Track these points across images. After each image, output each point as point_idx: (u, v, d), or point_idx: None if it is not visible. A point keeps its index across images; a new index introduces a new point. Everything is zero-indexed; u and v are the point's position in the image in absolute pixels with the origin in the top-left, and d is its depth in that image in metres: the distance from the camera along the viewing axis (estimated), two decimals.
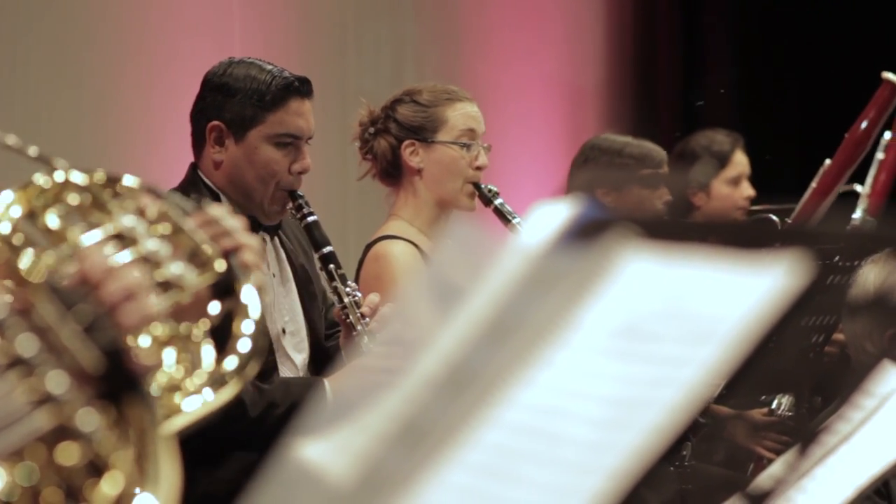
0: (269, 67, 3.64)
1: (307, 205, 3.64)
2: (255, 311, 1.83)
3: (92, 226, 1.77)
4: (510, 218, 4.05)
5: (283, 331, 3.65)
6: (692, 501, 4.05)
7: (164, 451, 1.47)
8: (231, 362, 1.78)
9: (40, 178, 1.78)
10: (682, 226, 1.24)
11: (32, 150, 1.83)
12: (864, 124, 5.18)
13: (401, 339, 1.26)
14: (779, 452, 4.66)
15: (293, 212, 3.66)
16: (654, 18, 7.66)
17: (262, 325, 1.83)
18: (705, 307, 1.17)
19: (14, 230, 1.69)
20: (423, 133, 4.10)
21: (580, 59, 7.33)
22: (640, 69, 7.58)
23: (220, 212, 1.97)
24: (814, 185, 5.22)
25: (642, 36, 7.61)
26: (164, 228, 1.83)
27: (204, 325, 1.80)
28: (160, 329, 1.74)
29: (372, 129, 4.15)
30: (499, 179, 4.34)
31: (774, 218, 5.31)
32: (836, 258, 3.85)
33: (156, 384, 1.71)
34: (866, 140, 5.18)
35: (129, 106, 5.15)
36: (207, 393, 1.75)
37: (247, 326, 1.82)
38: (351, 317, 3.55)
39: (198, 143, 3.67)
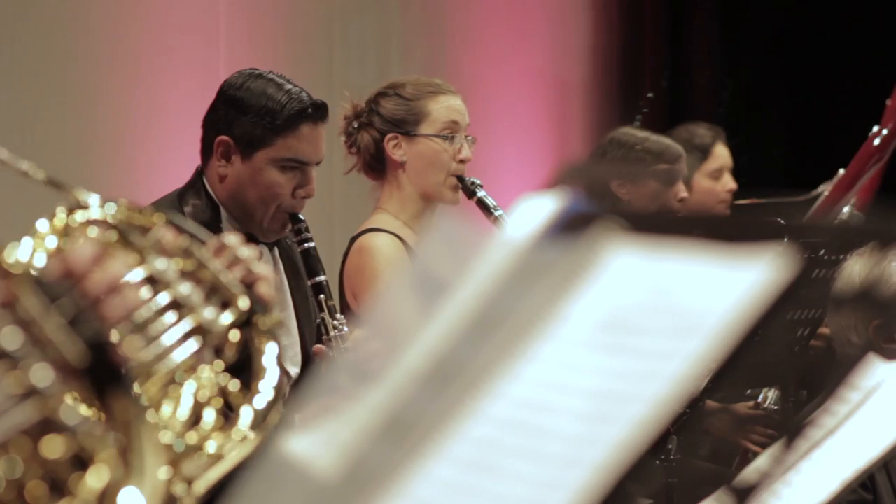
0: (288, 87, 3.60)
1: (307, 230, 3.62)
2: (272, 375, 1.83)
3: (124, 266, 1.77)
4: (493, 210, 4.05)
5: None
6: (678, 495, 4.06)
7: (149, 444, 1.46)
8: (247, 417, 1.78)
9: (63, 213, 1.78)
10: (667, 219, 1.24)
11: (41, 175, 1.83)
12: (880, 137, 5.15)
13: (378, 351, 1.25)
14: (764, 446, 4.67)
15: (291, 234, 3.65)
16: (639, 13, 7.67)
17: (280, 384, 1.83)
18: (691, 301, 1.17)
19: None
20: (406, 126, 4.10)
21: (566, 53, 7.33)
22: (625, 64, 7.59)
23: (234, 240, 1.97)
24: (825, 193, 5.21)
25: (628, 31, 7.61)
26: (188, 265, 1.83)
27: (218, 367, 1.80)
28: (196, 384, 1.75)
29: (356, 123, 4.14)
30: (485, 173, 4.33)
31: (781, 221, 5.31)
32: (822, 252, 3.86)
33: (181, 442, 1.71)
34: (882, 152, 5.16)
35: (114, 101, 5.14)
36: (229, 451, 1.74)
37: (265, 386, 1.82)
38: (334, 350, 3.53)
39: (205, 151, 3.65)
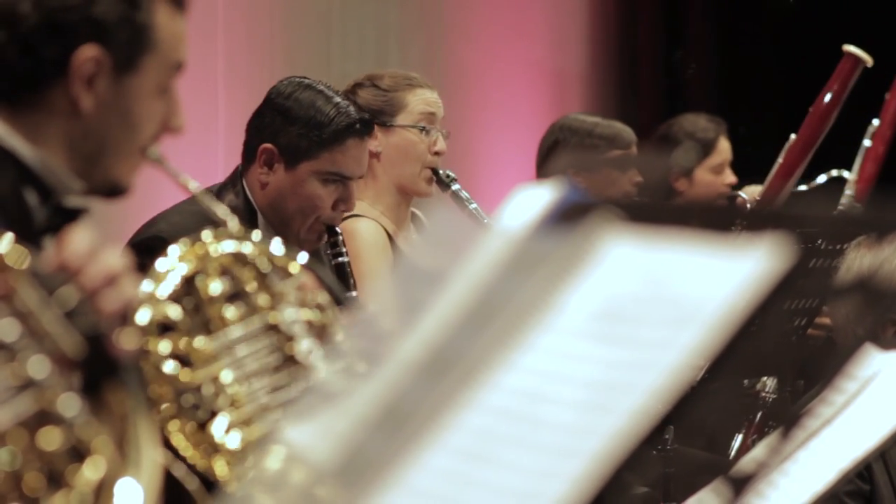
0: (336, 101, 3.60)
1: (343, 244, 3.63)
2: None
3: (253, 308, 1.79)
4: (467, 204, 4.05)
5: None
6: (674, 485, 4.06)
7: (146, 435, 1.46)
8: None
9: (209, 237, 1.80)
10: (663, 210, 1.24)
11: (202, 194, 1.86)
12: (827, 98, 5.16)
13: (371, 330, 1.25)
14: (762, 436, 4.67)
15: (326, 246, 3.66)
16: (636, 4, 7.67)
17: None
18: (687, 290, 1.17)
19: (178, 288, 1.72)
20: (383, 117, 4.10)
21: (563, 44, 7.33)
22: (622, 54, 7.59)
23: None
24: (780, 160, 5.21)
25: (625, 21, 7.61)
26: (317, 316, 1.83)
27: None
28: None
29: None
30: (482, 164, 4.34)
31: (743, 195, 5.31)
32: (819, 241, 3.86)
33: None
34: (829, 114, 5.16)
35: None
36: None
37: None
38: None
39: (248, 156, 3.65)
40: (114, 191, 1.86)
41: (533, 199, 1.25)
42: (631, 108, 7.14)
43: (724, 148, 5.65)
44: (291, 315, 1.81)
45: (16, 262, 1.52)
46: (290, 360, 1.79)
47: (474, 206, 4.06)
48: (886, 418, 2.16)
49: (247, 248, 1.84)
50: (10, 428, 1.45)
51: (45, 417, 1.45)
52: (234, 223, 1.87)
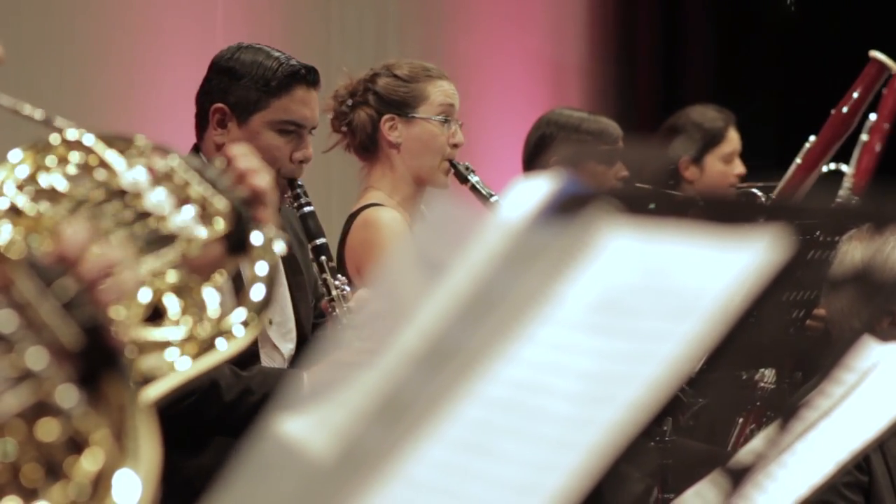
0: (277, 54, 3.64)
1: (305, 195, 3.63)
2: (264, 261, 1.83)
3: (97, 183, 1.78)
4: (488, 196, 4.04)
5: (270, 321, 3.64)
6: (673, 477, 4.06)
7: (144, 426, 1.46)
8: (240, 314, 1.78)
9: (48, 138, 1.79)
10: (662, 200, 1.24)
11: (38, 114, 1.84)
12: (850, 102, 5.18)
13: (381, 314, 1.25)
14: (760, 427, 4.68)
15: (290, 200, 3.66)
16: None
17: (272, 274, 1.83)
18: (686, 282, 1.17)
19: (20, 189, 1.71)
20: (404, 108, 4.09)
21: (562, 35, 7.33)
22: (621, 46, 7.58)
23: (241, 150, 1.96)
24: (798, 161, 5.23)
25: (624, 13, 7.60)
26: (171, 184, 1.83)
27: (221, 277, 1.80)
28: (166, 279, 1.75)
29: (350, 101, 4.13)
30: (480, 155, 4.34)
31: (758, 192, 5.32)
32: (817, 233, 3.86)
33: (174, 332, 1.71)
34: (852, 118, 5.18)
35: (110, 82, 5.13)
36: (220, 342, 1.75)
37: (259, 269, 1.82)
38: (338, 310, 3.54)
39: (201, 124, 3.67)
40: None
41: (531, 191, 1.25)
42: (629, 101, 7.14)
43: (733, 138, 5.66)
44: (134, 176, 1.80)
45: (13, 252, 1.52)
46: (142, 215, 1.79)
47: (495, 198, 4.05)
48: (885, 410, 2.16)
49: (85, 139, 1.83)
50: (7, 419, 1.45)
51: (42, 409, 1.45)
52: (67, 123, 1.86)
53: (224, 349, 1.75)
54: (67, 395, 1.46)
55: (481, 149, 4.70)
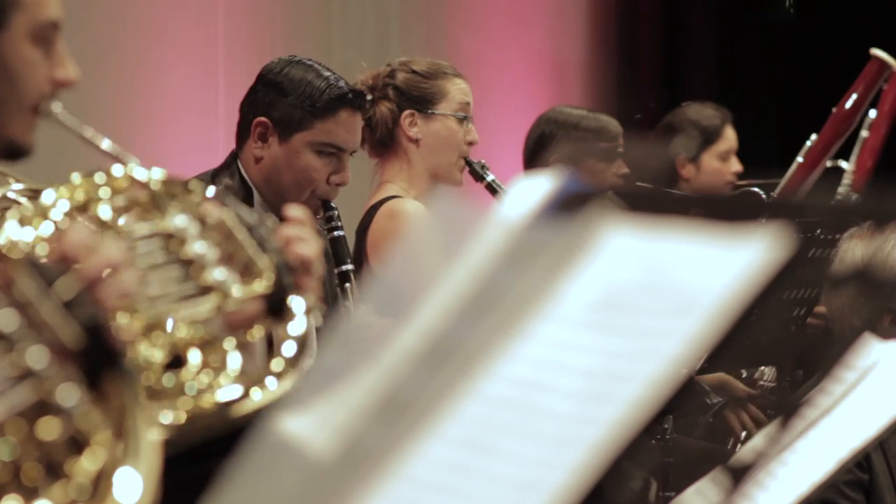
0: (327, 74, 3.63)
1: (338, 219, 3.64)
2: (299, 323, 1.84)
3: (146, 222, 1.79)
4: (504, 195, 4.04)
5: None
6: (673, 475, 4.06)
7: (145, 425, 1.46)
8: (277, 363, 1.80)
9: (106, 169, 1.80)
10: (663, 198, 1.24)
11: (105, 144, 1.85)
12: (851, 100, 5.18)
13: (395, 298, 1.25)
14: (760, 425, 4.68)
15: (322, 222, 3.66)
16: None
17: (305, 339, 1.83)
18: (687, 280, 1.17)
19: (67, 217, 1.72)
20: (424, 104, 4.10)
21: (563, 33, 7.33)
22: (622, 44, 7.58)
23: (298, 214, 1.97)
24: (800, 159, 5.23)
25: (624, 11, 7.60)
26: (219, 236, 1.83)
27: (253, 335, 1.81)
28: (190, 331, 1.76)
29: (370, 96, 4.12)
30: (482, 153, 4.34)
31: (758, 191, 5.32)
32: (818, 231, 3.86)
33: (191, 383, 1.73)
34: (853, 116, 5.18)
35: (112, 84, 5.13)
36: (255, 392, 1.76)
37: (293, 330, 1.83)
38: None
39: (242, 134, 3.67)
40: (13, 152, 1.85)
41: (532, 188, 1.25)
42: (630, 99, 7.14)
43: (729, 135, 5.66)
44: (183, 222, 1.81)
45: (14, 252, 1.52)
46: (183, 263, 1.80)
47: None
48: (885, 408, 2.16)
49: (142, 175, 1.84)
50: (8, 418, 1.45)
51: (43, 408, 1.45)
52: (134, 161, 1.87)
53: (254, 401, 1.76)
54: (68, 394, 1.46)
55: (483, 146, 4.70)
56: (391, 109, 4.12)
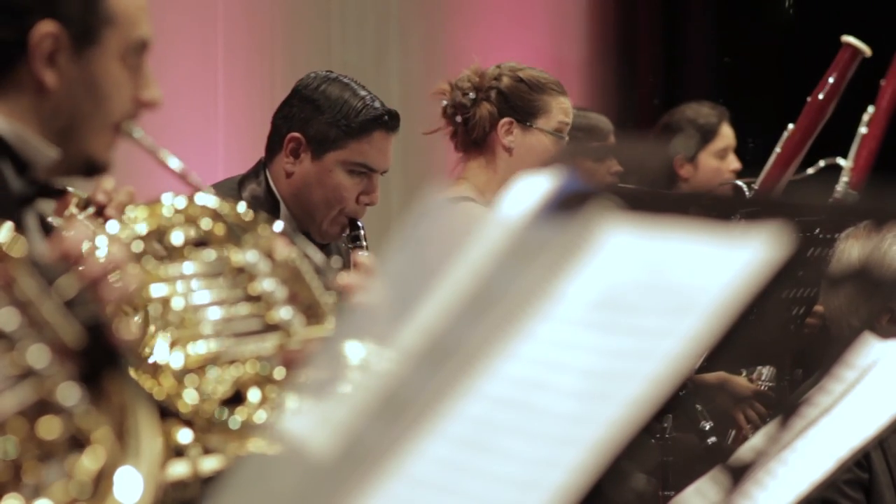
0: (363, 94, 3.64)
1: (364, 238, 3.65)
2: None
3: (217, 254, 1.81)
4: None
5: None
6: (673, 473, 4.07)
7: (146, 424, 1.47)
8: None
9: (183, 197, 1.82)
10: (663, 198, 1.25)
11: (175, 164, 1.87)
12: (826, 88, 5.17)
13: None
14: (760, 424, 4.68)
15: (348, 240, 3.67)
16: None
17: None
18: (686, 279, 1.17)
19: (141, 239, 1.74)
20: (525, 115, 4.07)
21: (564, 33, 7.33)
22: (622, 44, 7.58)
23: (369, 264, 1.98)
24: (778, 150, 5.22)
25: (624, 10, 7.61)
26: (286, 273, 1.85)
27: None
28: (254, 368, 1.78)
29: (473, 94, 4.08)
30: None
31: (740, 184, 5.31)
32: (817, 230, 3.86)
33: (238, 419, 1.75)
34: (828, 104, 5.17)
35: None
36: None
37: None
38: None
39: (273, 146, 3.68)
40: (91, 168, 1.86)
41: (531, 188, 1.25)
42: (630, 98, 7.14)
43: (726, 134, 5.66)
44: (253, 257, 1.83)
45: (15, 251, 1.53)
46: (252, 300, 1.81)
47: None
48: (884, 407, 2.16)
49: (213, 203, 1.86)
50: (9, 417, 1.45)
51: (44, 407, 1.45)
52: (209, 190, 1.89)
53: None
54: (69, 393, 1.46)
55: None
56: (491, 112, 4.08)
